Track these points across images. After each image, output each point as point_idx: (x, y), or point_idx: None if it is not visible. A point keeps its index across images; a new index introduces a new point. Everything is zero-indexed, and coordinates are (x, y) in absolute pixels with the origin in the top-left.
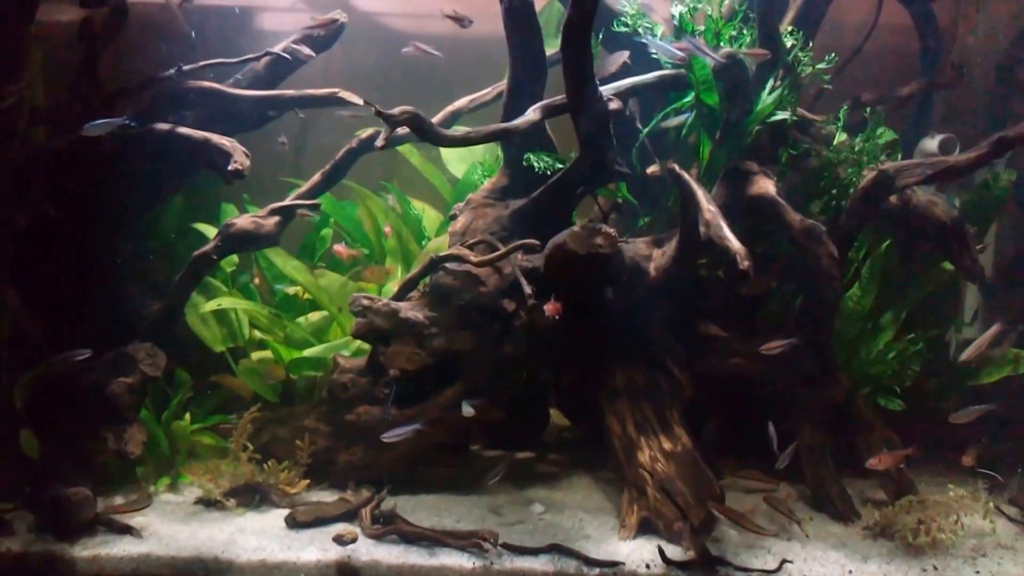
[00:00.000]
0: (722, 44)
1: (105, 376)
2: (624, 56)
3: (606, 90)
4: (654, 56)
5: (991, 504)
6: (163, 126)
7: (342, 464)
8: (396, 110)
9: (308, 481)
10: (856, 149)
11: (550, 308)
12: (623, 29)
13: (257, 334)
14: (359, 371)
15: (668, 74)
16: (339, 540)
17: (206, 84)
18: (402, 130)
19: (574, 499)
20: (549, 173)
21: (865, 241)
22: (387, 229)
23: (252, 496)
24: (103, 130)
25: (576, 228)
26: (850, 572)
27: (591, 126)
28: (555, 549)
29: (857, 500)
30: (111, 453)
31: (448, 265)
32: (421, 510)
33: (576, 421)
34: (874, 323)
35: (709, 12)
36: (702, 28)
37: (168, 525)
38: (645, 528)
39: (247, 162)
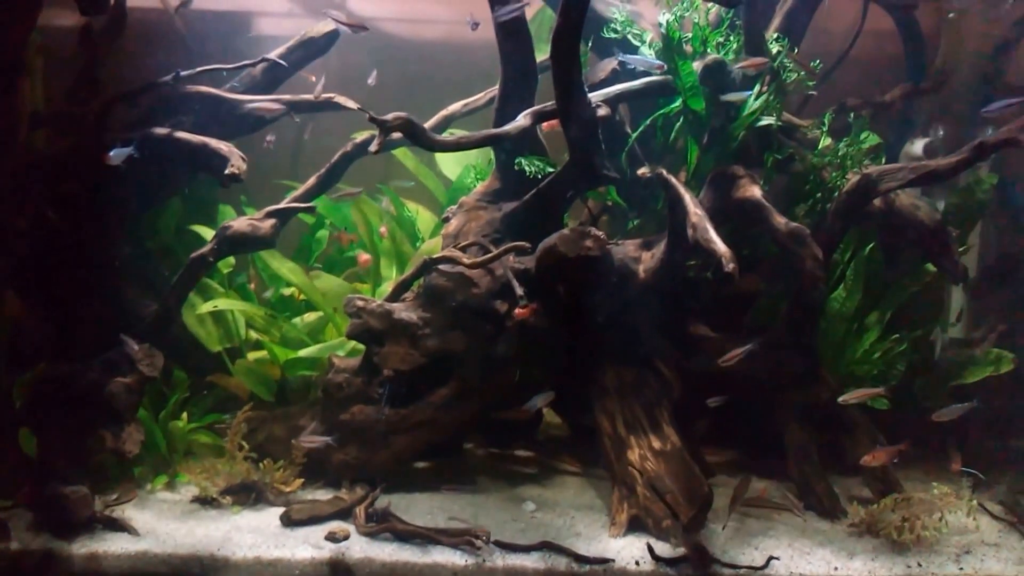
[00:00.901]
0: (709, 51)
1: (103, 376)
2: (613, 63)
3: (595, 96)
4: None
5: (975, 502)
6: (161, 130)
7: (337, 463)
8: (389, 116)
9: (303, 480)
10: (840, 153)
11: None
12: (612, 36)
13: (253, 334)
14: (354, 371)
15: (656, 80)
16: (331, 538)
17: (203, 89)
18: (396, 135)
19: (565, 497)
20: (540, 177)
21: (850, 243)
22: (383, 230)
23: (248, 494)
24: (122, 158)
25: (566, 231)
26: (836, 569)
27: (580, 132)
28: (546, 546)
29: (843, 498)
30: (109, 452)
31: (441, 267)
32: (415, 508)
33: (568, 420)
34: (859, 324)
35: (696, 20)
36: (689, 35)
37: (165, 523)
38: (635, 526)
39: (244, 166)
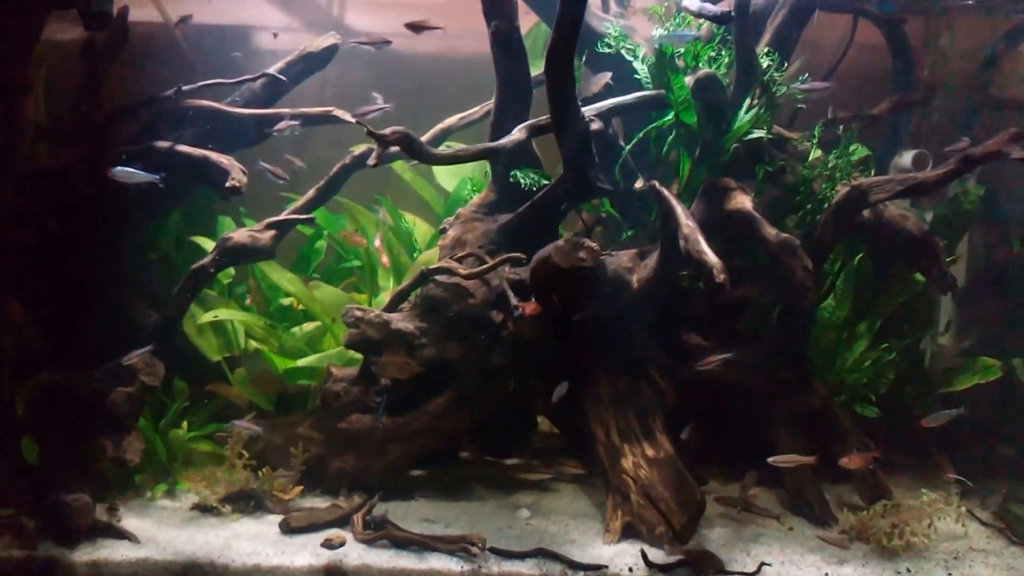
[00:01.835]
0: (701, 66)
1: (105, 385)
2: (607, 77)
3: (588, 111)
4: (635, 77)
5: (963, 508)
6: (163, 144)
7: (335, 471)
8: (388, 130)
9: (302, 488)
10: (830, 165)
11: (530, 308)
12: (606, 51)
13: (253, 344)
14: (352, 380)
15: (648, 94)
16: (328, 544)
17: (205, 103)
18: (394, 148)
19: (560, 504)
20: (535, 189)
21: (840, 253)
22: (377, 243)
23: (247, 502)
24: (130, 179)
25: (560, 242)
26: (826, 574)
27: (574, 145)
28: (541, 553)
29: (834, 504)
30: (110, 460)
31: (438, 277)
32: (412, 515)
33: (563, 428)
34: (849, 332)
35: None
36: (682, 50)
37: (165, 530)
38: (628, 532)
39: (244, 179)
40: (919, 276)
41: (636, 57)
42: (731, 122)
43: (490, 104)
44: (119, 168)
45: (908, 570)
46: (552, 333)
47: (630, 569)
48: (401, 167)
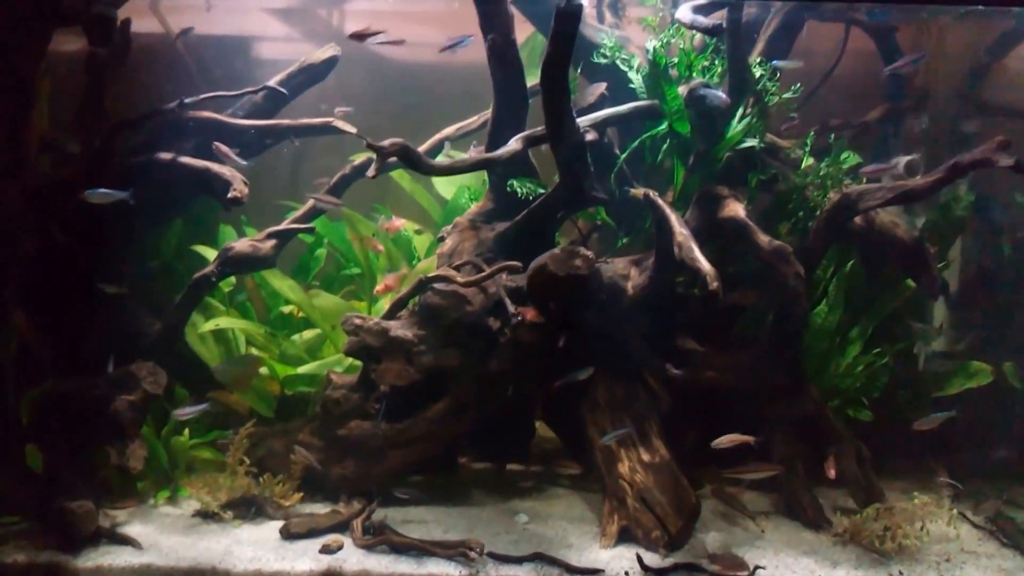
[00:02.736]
0: (694, 75)
1: (109, 393)
2: (602, 87)
3: (583, 121)
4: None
5: (955, 511)
6: (165, 155)
7: (335, 477)
8: (386, 142)
9: (302, 494)
10: (822, 173)
11: (531, 314)
12: (602, 61)
13: (254, 352)
14: (351, 387)
15: (642, 105)
16: (326, 550)
17: (206, 115)
18: (393, 159)
19: (557, 509)
20: (532, 198)
21: (832, 260)
22: (380, 247)
23: (248, 508)
24: (103, 199)
25: (556, 250)
26: None
27: (569, 155)
28: (538, 558)
29: (828, 508)
30: (113, 468)
31: (436, 285)
32: (411, 521)
33: (561, 434)
34: (842, 338)
35: (682, 45)
36: (676, 60)
37: (168, 537)
38: (625, 536)
39: (245, 190)
40: (911, 282)
41: (631, 67)
42: (724, 131)
43: (487, 114)
44: (90, 191)
45: (900, 572)
46: (549, 340)
47: (626, 573)
48: (400, 176)
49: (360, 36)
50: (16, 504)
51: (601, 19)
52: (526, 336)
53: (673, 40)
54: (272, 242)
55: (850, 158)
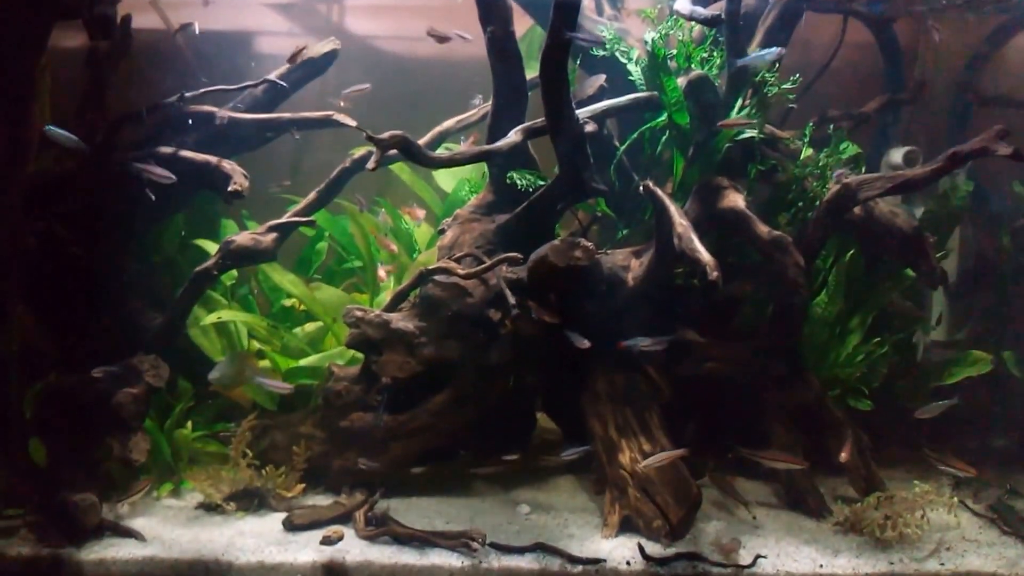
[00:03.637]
0: (693, 67)
1: (111, 387)
2: (601, 79)
3: (582, 113)
4: (630, 79)
5: (955, 499)
6: (166, 149)
7: (337, 469)
8: (386, 134)
9: (304, 485)
10: (821, 164)
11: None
12: (601, 53)
13: (256, 344)
14: (353, 379)
15: (642, 96)
16: (326, 541)
17: (207, 109)
18: (393, 152)
19: (559, 500)
20: (531, 190)
21: (831, 250)
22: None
23: (251, 500)
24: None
25: (556, 242)
26: (821, 566)
27: (568, 147)
28: (540, 548)
29: (829, 497)
30: (116, 460)
31: (437, 278)
32: (413, 512)
33: (562, 425)
34: (842, 328)
35: (680, 37)
36: (674, 52)
37: (171, 529)
38: (626, 526)
39: (246, 183)
40: (910, 271)
41: (630, 59)
42: None
43: (487, 107)
44: (50, 128)
45: (901, 560)
46: (550, 331)
47: (628, 562)
48: (400, 168)
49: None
50: (20, 497)
51: (600, 11)
52: (527, 328)
53: (672, 32)
54: (273, 235)
55: (849, 148)
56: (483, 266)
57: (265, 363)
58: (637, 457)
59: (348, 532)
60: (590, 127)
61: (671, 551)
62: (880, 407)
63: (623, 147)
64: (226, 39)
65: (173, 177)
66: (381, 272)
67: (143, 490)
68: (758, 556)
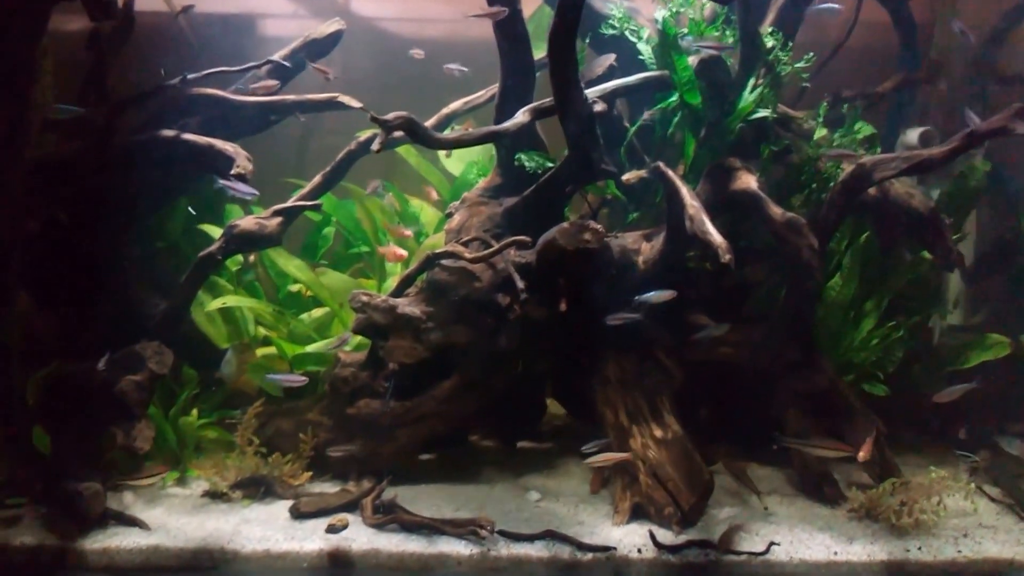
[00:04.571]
0: None
1: (114, 374)
2: (611, 59)
3: (591, 92)
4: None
5: (972, 485)
6: (168, 132)
7: (344, 456)
8: (391, 115)
9: (311, 473)
10: (835, 144)
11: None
12: (610, 32)
13: (262, 331)
14: (360, 365)
15: (652, 76)
16: (331, 529)
17: (210, 91)
18: (398, 133)
19: (569, 486)
20: (540, 172)
21: (846, 232)
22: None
23: (257, 488)
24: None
25: (565, 225)
26: (836, 553)
27: (577, 127)
28: (550, 535)
29: (843, 483)
30: (120, 448)
31: (444, 262)
32: (421, 499)
33: (572, 410)
34: (857, 311)
35: (692, 15)
36: (686, 31)
37: (176, 517)
38: (637, 513)
39: (249, 166)
40: (926, 253)
41: (640, 38)
42: (735, 102)
43: (495, 88)
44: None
45: (918, 547)
46: (559, 315)
47: (639, 550)
48: (407, 152)
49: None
50: (24, 486)
51: None
52: (536, 312)
53: (683, 10)
54: (278, 219)
55: (864, 128)
56: (491, 250)
57: (271, 350)
58: (648, 443)
59: (355, 520)
60: (599, 107)
61: (683, 538)
62: (895, 392)
63: (633, 128)
64: (231, 21)
65: (256, 192)
66: (390, 248)
67: (157, 475)
68: (772, 543)
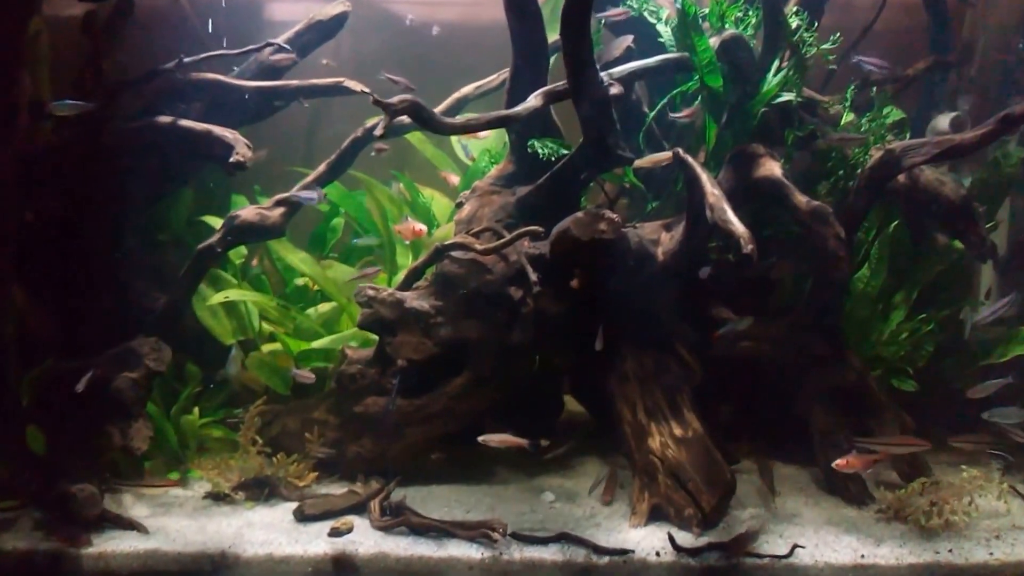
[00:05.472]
0: (727, 26)
1: (110, 371)
2: (628, 40)
3: (607, 74)
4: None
5: (1005, 485)
6: (165, 119)
7: (351, 456)
8: (395, 99)
9: (317, 474)
10: (863, 129)
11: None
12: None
13: (267, 326)
14: (367, 362)
15: (671, 57)
16: (334, 532)
17: (210, 76)
18: (405, 119)
19: (585, 487)
20: (554, 160)
21: (874, 221)
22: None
23: (261, 490)
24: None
25: (580, 214)
26: (862, 556)
27: (592, 111)
28: (565, 538)
29: (871, 483)
30: (117, 449)
31: (454, 253)
32: (431, 501)
33: (590, 407)
34: (885, 304)
35: None
36: (707, 11)
37: (176, 520)
38: (656, 515)
39: (249, 153)
40: (957, 244)
41: (659, 19)
42: (759, 85)
43: (507, 72)
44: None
45: (949, 550)
46: (575, 308)
47: (657, 553)
48: (419, 140)
49: None
50: (17, 488)
51: None
52: (550, 305)
53: None
54: (281, 210)
55: (893, 113)
56: (502, 240)
57: (275, 346)
58: (668, 442)
59: (363, 522)
60: (615, 89)
61: (703, 541)
62: (925, 387)
63: (652, 112)
64: (235, 4)
65: (323, 195)
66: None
67: (163, 486)
68: (795, 546)
